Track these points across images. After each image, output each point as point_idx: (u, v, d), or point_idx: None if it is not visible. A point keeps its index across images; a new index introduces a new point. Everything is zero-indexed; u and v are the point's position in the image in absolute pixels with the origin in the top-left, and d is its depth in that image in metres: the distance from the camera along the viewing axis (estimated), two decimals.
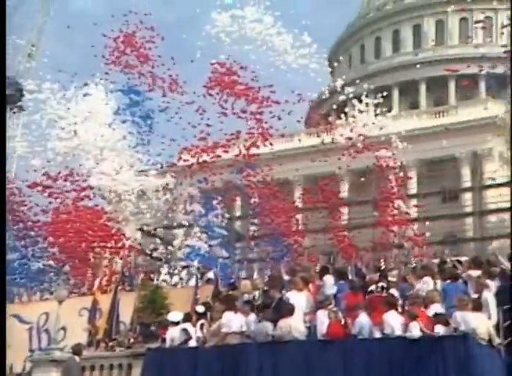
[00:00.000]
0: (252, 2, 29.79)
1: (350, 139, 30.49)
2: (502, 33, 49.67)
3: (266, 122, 28.99)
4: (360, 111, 31.88)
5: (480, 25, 59.22)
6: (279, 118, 29.04)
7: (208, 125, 28.99)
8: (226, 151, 29.74)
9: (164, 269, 26.04)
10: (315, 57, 29.43)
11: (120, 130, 29.95)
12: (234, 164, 29.95)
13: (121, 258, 28.24)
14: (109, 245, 28.76)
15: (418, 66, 57.55)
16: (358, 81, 39.93)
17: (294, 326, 13.06)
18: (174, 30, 35.03)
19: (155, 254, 30.92)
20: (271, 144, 29.64)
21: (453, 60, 60.58)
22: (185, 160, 29.86)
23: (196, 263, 26.72)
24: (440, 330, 12.21)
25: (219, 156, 29.56)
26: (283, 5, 31.11)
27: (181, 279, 24.85)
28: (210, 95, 28.84)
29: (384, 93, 34.03)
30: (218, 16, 29.56)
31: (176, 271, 25.90)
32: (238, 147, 29.59)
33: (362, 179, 37.12)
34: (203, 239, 29.24)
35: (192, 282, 22.36)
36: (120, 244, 29.03)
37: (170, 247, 30.37)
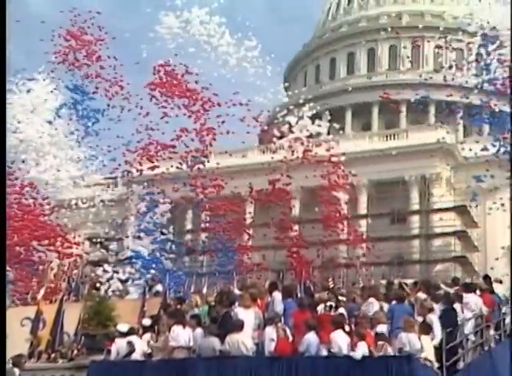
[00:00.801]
0: (198, 6, 29.95)
1: (290, 147, 30.86)
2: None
3: (207, 119, 29.03)
4: (298, 118, 32.12)
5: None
6: (223, 121, 29.13)
7: (152, 129, 28.90)
8: (175, 152, 29.60)
9: (106, 273, 25.84)
10: (258, 61, 29.66)
11: (64, 127, 29.71)
12: (184, 159, 29.73)
13: (64, 257, 27.71)
14: (46, 242, 28.31)
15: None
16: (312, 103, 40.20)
17: (242, 342, 13.10)
18: (124, 31, 34.86)
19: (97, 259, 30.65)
20: (214, 139, 29.58)
21: (404, 85, 61.78)
22: (129, 164, 29.61)
23: (138, 265, 26.54)
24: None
25: (170, 157, 29.48)
26: (229, 9, 31.45)
27: (125, 280, 24.66)
28: (153, 96, 28.86)
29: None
30: (165, 18, 29.63)
31: (121, 274, 25.73)
32: (186, 146, 29.49)
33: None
34: (145, 241, 29.02)
35: (134, 289, 22.17)
36: (59, 242, 28.61)
37: (111, 252, 30.14)
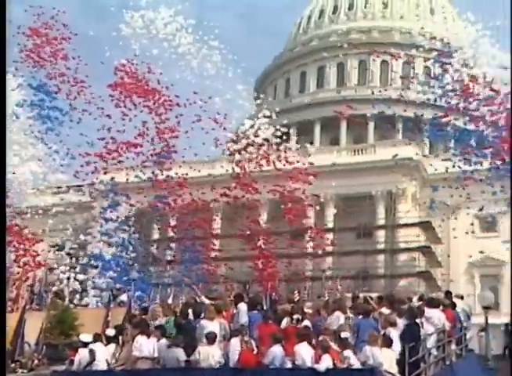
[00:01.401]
0: (162, 5, 29.84)
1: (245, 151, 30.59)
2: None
3: (166, 119, 28.78)
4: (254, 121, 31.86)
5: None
6: (178, 122, 28.82)
7: (118, 131, 28.59)
8: (139, 152, 29.18)
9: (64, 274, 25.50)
10: (219, 62, 29.55)
11: (25, 126, 29.36)
12: (149, 157, 29.31)
13: (23, 256, 27.32)
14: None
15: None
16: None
17: (213, 353, 13.19)
18: (86, 30, 34.59)
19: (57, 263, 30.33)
20: (176, 137, 29.22)
21: (373, 100, 62.39)
22: (92, 164, 29.20)
23: (99, 264, 26.25)
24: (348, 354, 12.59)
25: (137, 155, 29.10)
26: (193, 11, 31.38)
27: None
28: (113, 96, 28.59)
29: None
30: (129, 18, 29.52)
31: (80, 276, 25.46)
32: (152, 144, 29.10)
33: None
34: (104, 243, 28.68)
35: (93, 292, 21.92)
36: (16, 242, 28.18)
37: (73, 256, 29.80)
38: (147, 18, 29.51)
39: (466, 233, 41.55)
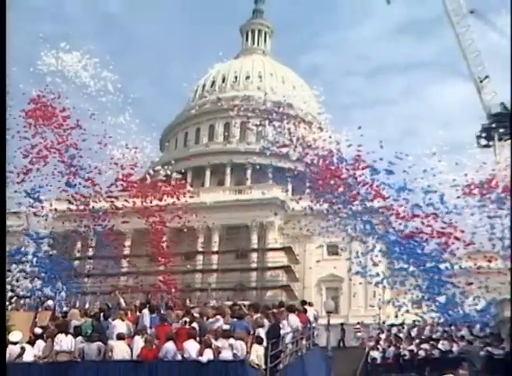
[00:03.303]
0: (72, 48, 28.87)
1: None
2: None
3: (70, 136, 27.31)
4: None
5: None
6: (84, 140, 27.52)
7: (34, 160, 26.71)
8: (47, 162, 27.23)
9: None
10: (110, 92, 28.56)
11: None
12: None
13: None
14: None
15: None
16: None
17: (126, 349, 13.25)
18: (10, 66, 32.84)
19: None
20: (79, 149, 27.58)
21: (251, 153, 63.75)
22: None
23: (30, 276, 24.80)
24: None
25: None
26: (100, 52, 30.33)
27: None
28: (23, 121, 27.27)
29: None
30: (44, 56, 28.50)
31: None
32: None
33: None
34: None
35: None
36: None
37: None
38: (59, 56, 28.52)
39: (317, 261, 43.05)
